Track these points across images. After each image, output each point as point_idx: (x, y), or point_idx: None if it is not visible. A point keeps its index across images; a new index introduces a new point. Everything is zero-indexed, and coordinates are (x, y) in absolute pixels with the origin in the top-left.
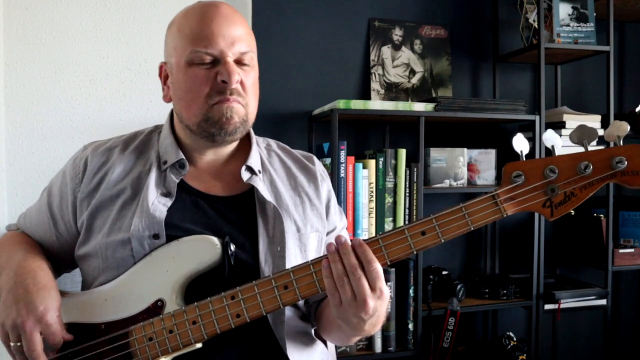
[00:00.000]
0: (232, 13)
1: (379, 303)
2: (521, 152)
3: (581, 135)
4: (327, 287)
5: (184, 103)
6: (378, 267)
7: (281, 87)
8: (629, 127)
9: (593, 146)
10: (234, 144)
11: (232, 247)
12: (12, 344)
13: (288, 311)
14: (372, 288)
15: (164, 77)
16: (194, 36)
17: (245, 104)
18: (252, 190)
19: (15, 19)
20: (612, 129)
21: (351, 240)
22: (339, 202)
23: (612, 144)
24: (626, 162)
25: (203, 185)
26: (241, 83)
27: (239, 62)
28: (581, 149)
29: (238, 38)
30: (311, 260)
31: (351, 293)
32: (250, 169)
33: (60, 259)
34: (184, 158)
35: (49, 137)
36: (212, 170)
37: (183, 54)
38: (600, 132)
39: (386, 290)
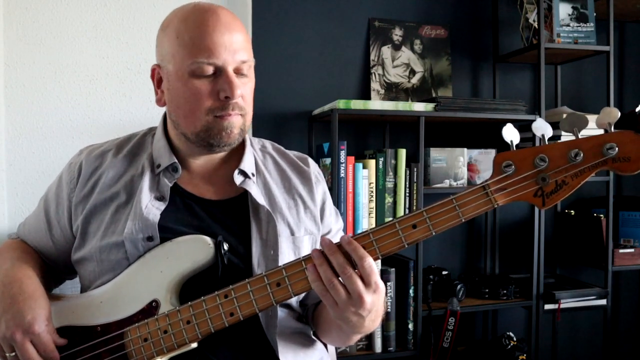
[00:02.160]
0: (232, 20)
1: (376, 297)
2: (511, 142)
3: (572, 123)
4: (317, 291)
5: (182, 112)
6: (371, 262)
7: (281, 87)
8: (619, 114)
9: (585, 134)
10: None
11: (225, 246)
12: (7, 354)
13: (281, 312)
14: (367, 284)
15: (157, 80)
16: (195, 46)
17: (244, 114)
18: (245, 193)
19: (15, 19)
20: (602, 116)
21: (341, 238)
22: (339, 203)
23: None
24: (617, 149)
25: (196, 189)
26: (241, 94)
27: (238, 72)
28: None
29: (239, 47)
30: (303, 257)
31: (345, 292)
32: (243, 173)
33: (59, 265)
34: (177, 162)
35: (49, 137)
36: (206, 174)
37: (183, 64)
38: (593, 124)
39: (381, 284)
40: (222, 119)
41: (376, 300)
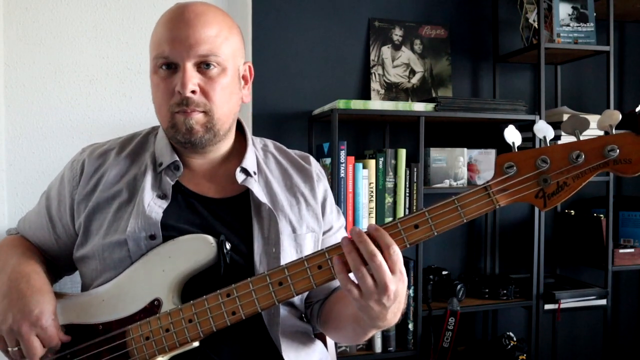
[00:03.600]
0: (199, 14)
1: (401, 286)
2: (513, 143)
3: (573, 125)
4: (342, 282)
5: (155, 108)
6: (398, 250)
7: (281, 87)
8: (620, 116)
9: (587, 136)
10: (227, 146)
11: (228, 245)
12: (9, 349)
13: (284, 311)
14: (393, 271)
15: None
16: (157, 42)
17: (208, 110)
18: (247, 191)
19: (15, 19)
20: (604, 118)
21: (369, 225)
22: (339, 202)
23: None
24: (618, 150)
25: (198, 187)
26: (202, 90)
27: (203, 65)
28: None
29: (200, 41)
30: (305, 256)
31: (371, 281)
32: (245, 171)
33: (60, 261)
34: (179, 160)
35: (49, 137)
36: (207, 172)
37: (150, 61)
38: (594, 124)
39: (405, 273)
40: (180, 115)
41: (400, 289)
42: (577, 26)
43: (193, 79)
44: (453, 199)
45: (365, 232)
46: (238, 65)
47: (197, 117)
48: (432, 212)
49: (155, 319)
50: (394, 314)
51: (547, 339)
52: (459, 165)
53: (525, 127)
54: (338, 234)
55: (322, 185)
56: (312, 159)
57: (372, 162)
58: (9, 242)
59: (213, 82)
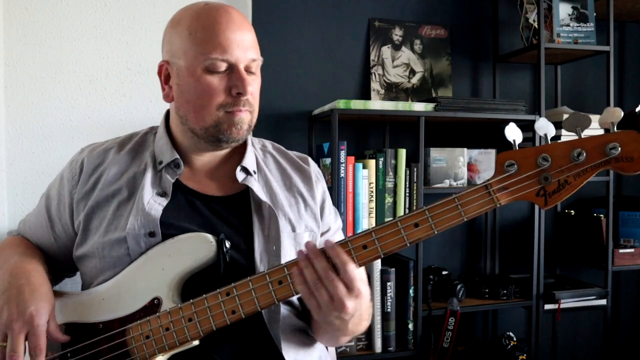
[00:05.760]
0: (243, 19)
1: (358, 302)
2: (514, 141)
3: (574, 122)
4: (302, 294)
5: (192, 107)
6: (353, 268)
7: (281, 87)
8: (622, 113)
9: (588, 134)
10: None
11: (227, 244)
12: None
13: (284, 309)
14: (350, 289)
15: (164, 76)
16: (209, 42)
17: (252, 111)
18: (247, 190)
19: (15, 19)
20: (605, 116)
21: (325, 242)
22: (339, 202)
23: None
24: (620, 148)
25: (198, 185)
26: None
27: (248, 70)
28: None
29: (249, 45)
30: (285, 263)
31: (327, 296)
32: (245, 170)
33: (60, 262)
34: (179, 158)
35: (49, 137)
36: (208, 170)
37: (197, 60)
38: (596, 123)
39: (365, 290)
40: (232, 115)
41: (358, 305)
42: (577, 26)
43: (250, 80)
44: (453, 197)
45: (321, 248)
46: None
47: (245, 116)
48: (432, 211)
49: (155, 318)
50: (355, 325)
51: (547, 339)
52: (459, 165)
53: (525, 127)
54: (336, 235)
55: (321, 186)
56: (311, 161)
57: (372, 162)
58: (10, 241)
59: (255, 83)
